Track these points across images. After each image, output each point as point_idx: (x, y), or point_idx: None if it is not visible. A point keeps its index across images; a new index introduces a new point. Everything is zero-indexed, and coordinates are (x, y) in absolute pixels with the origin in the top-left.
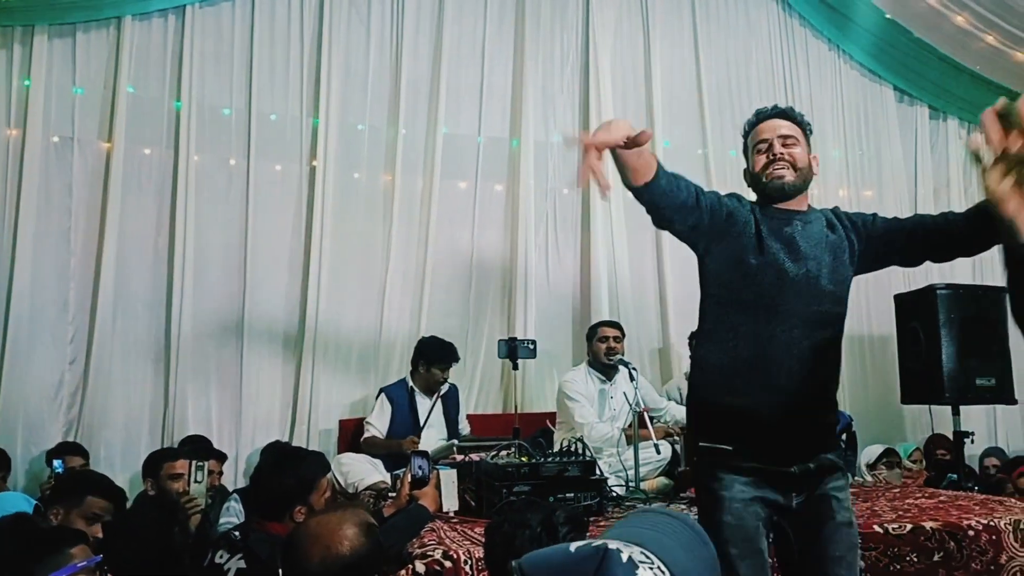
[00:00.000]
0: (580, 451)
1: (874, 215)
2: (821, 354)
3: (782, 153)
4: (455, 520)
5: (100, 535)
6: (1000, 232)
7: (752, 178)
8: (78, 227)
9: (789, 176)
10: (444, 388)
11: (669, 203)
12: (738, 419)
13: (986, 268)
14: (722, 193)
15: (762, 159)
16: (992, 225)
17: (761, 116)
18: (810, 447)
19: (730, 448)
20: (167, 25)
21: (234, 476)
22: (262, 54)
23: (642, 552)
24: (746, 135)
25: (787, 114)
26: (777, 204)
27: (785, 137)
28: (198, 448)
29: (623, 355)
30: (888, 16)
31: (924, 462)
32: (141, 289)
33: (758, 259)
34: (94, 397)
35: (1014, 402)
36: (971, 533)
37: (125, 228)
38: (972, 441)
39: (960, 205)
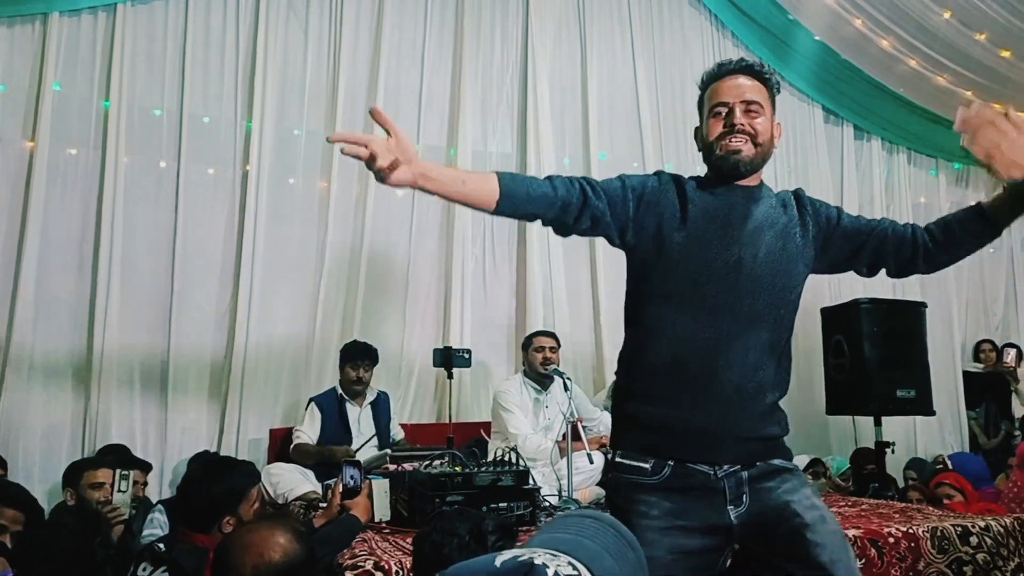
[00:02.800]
0: (514, 461)
1: (838, 209)
2: (756, 357)
3: (743, 124)
4: (387, 530)
5: (7, 544)
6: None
7: (704, 146)
8: None
9: (747, 152)
10: (372, 395)
11: (534, 209)
12: (654, 430)
13: (907, 283)
14: (643, 174)
15: (718, 126)
16: (958, 239)
17: (723, 70)
18: (739, 457)
19: (647, 465)
20: (97, 22)
21: (159, 487)
22: (195, 55)
23: (570, 563)
24: (703, 88)
25: (753, 71)
26: (726, 181)
27: (748, 104)
28: (119, 458)
29: (558, 365)
30: (817, 38)
31: (851, 480)
32: (64, 294)
33: (681, 244)
34: (12, 405)
35: (932, 413)
36: (891, 540)
37: (48, 230)
38: (893, 451)
39: None
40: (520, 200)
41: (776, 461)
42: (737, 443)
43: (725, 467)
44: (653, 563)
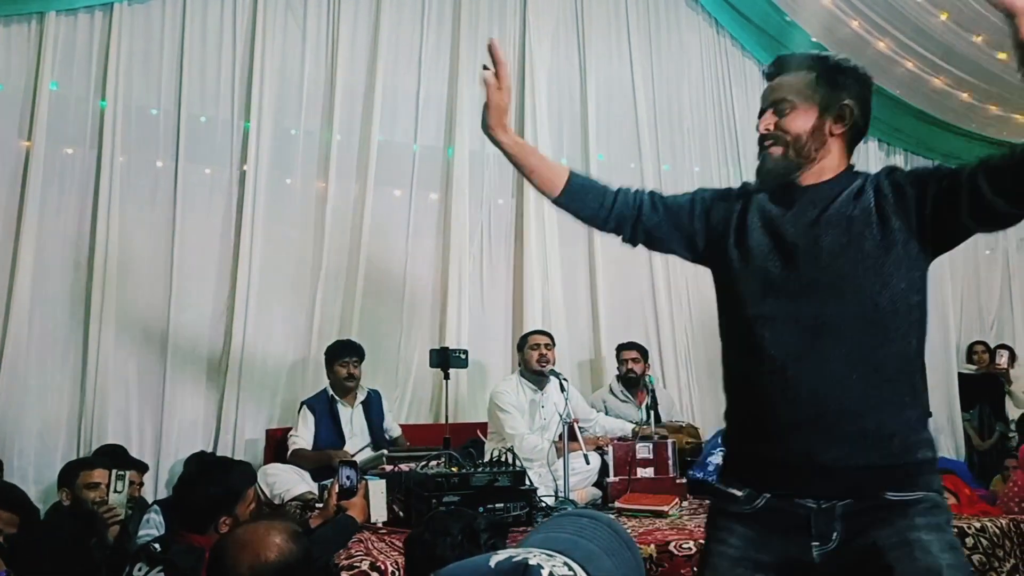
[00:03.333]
0: (510, 461)
1: (937, 167)
2: (838, 373)
3: (765, 129)
4: (383, 531)
5: (3, 545)
6: None
7: None
8: None
9: (774, 153)
10: (363, 394)
11: (589, 214)
12: (742, 461)
13: None
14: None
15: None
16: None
17: (766, 78)
18: (836, 490)
19: (740, 494)
20: (93, 21)
21: (155, 487)
22: (193, 54)
23: (565, 563)
24: None
25: (788, 66)
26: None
27: (775, 104)
28: (115, 458)
29: (554, 364)
30: (814, 40)
31: None
32: (60, 293)
33: (739, 258)
34: (7, 405)
35: (928, 415)
36: None
37: (44, 230)
38: None
39: None
40: (580, 202)
41: (890, 494)
42: (826, 473)
43: (832, 500)
44: None
